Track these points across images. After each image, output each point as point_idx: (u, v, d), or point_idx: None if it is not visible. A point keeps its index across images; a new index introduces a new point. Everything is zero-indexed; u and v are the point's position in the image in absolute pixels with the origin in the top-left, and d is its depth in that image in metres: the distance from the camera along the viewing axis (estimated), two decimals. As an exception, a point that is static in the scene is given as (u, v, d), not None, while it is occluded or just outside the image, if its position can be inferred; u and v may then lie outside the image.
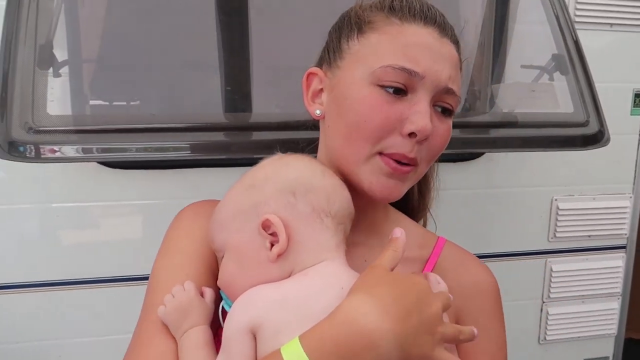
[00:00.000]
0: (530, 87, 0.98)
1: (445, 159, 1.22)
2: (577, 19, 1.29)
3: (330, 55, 0.63)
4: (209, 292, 0.59)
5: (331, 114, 0.62)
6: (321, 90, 0.63)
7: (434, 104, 0.59)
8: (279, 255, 0.52)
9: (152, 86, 1.09)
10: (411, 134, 0.56)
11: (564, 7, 1.00)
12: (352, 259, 0.62)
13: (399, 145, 0.57)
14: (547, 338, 1.44)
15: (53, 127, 0.80)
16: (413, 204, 0.77)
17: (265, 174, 0.57)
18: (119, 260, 1.18)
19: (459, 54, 0.61)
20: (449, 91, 0.58)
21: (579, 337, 1.46)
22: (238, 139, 0.94)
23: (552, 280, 1.40)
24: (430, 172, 0.77)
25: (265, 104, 1.09)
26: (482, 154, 1.26)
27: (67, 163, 1.14)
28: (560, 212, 1.37)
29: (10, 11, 0.81)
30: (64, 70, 0.91)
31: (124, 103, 1.11)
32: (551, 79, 0.99)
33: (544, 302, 1.43)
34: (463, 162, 1.27)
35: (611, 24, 1.32)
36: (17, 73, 0.79)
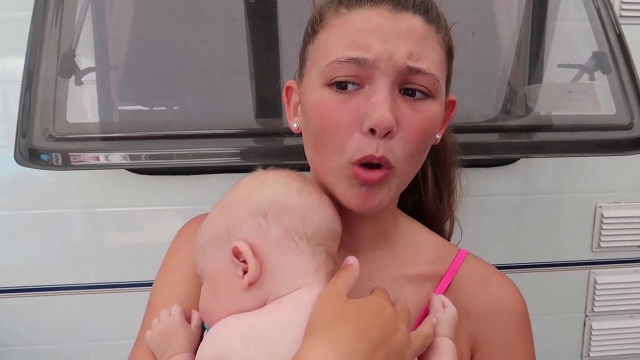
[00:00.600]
0: (567, 87, 0.92)
1: (478, 164, 1.16)
2: (623, 13, 1.20)
3: (300, 65, 0.60)
4: (195, 317, 0.57)
5: (303, 126, 0.58)
6: (299, 102, 0.60)
7: (400, 88, 0.52)
8: (251, 284, 0.49)
9: (181, 92, 1.10)
10: (372, 131, 0.50)
11: (607, 1, 0.93)
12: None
13: (363, 146, 0.51)
14: (591, 354, 1.35)
15: (73, 134, 0.80)
16: (429, 209, 0.70)
17: (240, 195, 0.54)
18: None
19: (433, 23, 0.53)
20: (412, 70, 0.51)
21: (626, 354, 1.36)
22: (275, 145, 0.93)
23: (597, 293, 1.31)
24: (453, 172, 0.70)
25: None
26: (518, 158, 1.19)
27: (102, 170, 1.17)
28: (605, 221, 1.28)
29: (35, 23, 0.83)
30: (88, 78, 0.92)
31: (148, 109, 1.12)
32: (592, 78, 0.92)
33: (587, 316, 1.34)
34: (498, 167, 1.21)
35: (661, 18, 1.23)
36: (40, 82, 0.80)
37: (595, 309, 1.33)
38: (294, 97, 0.60)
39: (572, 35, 1.02)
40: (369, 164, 0.51)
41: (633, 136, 0.83)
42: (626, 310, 1.34)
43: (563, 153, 0.92)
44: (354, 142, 0.51)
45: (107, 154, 0.82)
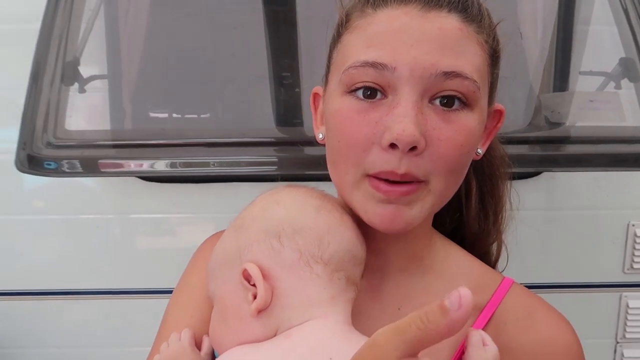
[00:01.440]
0: (588, 96, 0.85)
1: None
2: (660, 18, 1.13)
3: (326, 71, 0.54)
4: (206, 343, 0.54)
5: (325, 137, 0.53)
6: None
7: (432, 98, 0.45)
8: (260, 311, 0.45)
9: (201, 101, 1.10)
10: (392, 146, 0.44)
11: (636, 3, 0.87)
12: (382, 306, 0.53)
13: (382, 161, 0.45)
14: (624, 384, 1.26)
15: (70, 142, 0.81)
16: (470, 229, 0.62)
17: (253, 213, 0.50)
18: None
19: (475, 23, 0.46)
20: (447, 75, 0.44)
21: (661, 385, 1.26)
22: (297, 154, 0.92)
23: (629, 317, 1.22)
24: (502, 189, 0.63)
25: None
26: (538, 173, 1.13)
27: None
28: (638, 240, 1.19)
29: (43, 32, 0.84)
30: (93, 86, 0.92)
31: (164, 115, 1.12)
32: (618, 86, 0.86)
33: (618, 343, 1.25)
34: (520, 180, 1.14)
35: (703, 22, 1.14)
36: (43, 90, 0.81)
37: (627, 335, 1.23)
38: (321, 105, 0.55)
39: (598, 41, 0.96)
40: (389, 181, 0.46)
41: (661, 150, 0.76)
42: (662, 337, 1.24)
43: (578, 168, 0.86)
44: (370, 158, 0.46)
45: (143, 161, 0.82)
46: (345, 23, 0.50)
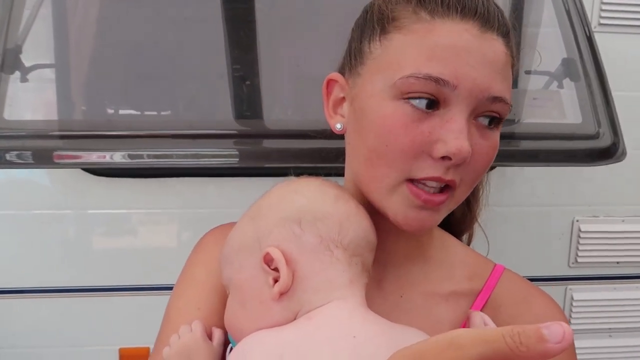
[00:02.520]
0: (531, 94, 0.88)
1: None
2: (603, 21, 1.17)
3: (351, 59, 0.54)
4: (217, 334, 0.54)
5: (352, 130, 0.53)
6: (343, 99, 0.55)
7: (476, 116, 0.49)
8: (282, 294, 0.46)
9: (155, 93, 1.08)
10: (444, 157, 0.47)
11: (579, 7, 0.90)
12: (385, 294, 0.56)
13: (429, 169, 0.48)
14: (569, 374, 1.31)
15: (10, 132, 0.78)
16: (456, 216, 0.67)
17: (270, 202, 0.51)
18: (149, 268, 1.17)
19: (510, 46, 0.50)
20: (495, 100, 0.48)
21: (605, 375, 1.32)
22: (257, 147, 0.91)
23: (573, 310, 1.27)
24: (481, 182, 0.68)
25: (276, 111, 1.06)
26: (492, 168, 1.15)
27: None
28: (582, 235, 1.24)
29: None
30: (38, 76, 0.89)
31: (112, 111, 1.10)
32: (560, 86, 0.89)
33: (563, 334, 1.30)
34: (470, 177, 1.17)
35: (643, 27, 1.20)
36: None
37: (572, 327, 1.27)
38: (336, 92, 0.55)
39: (546, 42, 0.99)
40: (430, 186, 0.48)
41: (599, 146, 0.79)
42: (604, 328, 1.30)
43: (523, 163, 0.89)
44: (419, 165, 0.48)
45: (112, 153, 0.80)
46: (393, 20, 0.50)
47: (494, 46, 0.48)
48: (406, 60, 0.48)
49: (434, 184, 0.48)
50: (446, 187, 0.49)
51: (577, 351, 1.33)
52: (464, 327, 0.54)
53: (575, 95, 0.84)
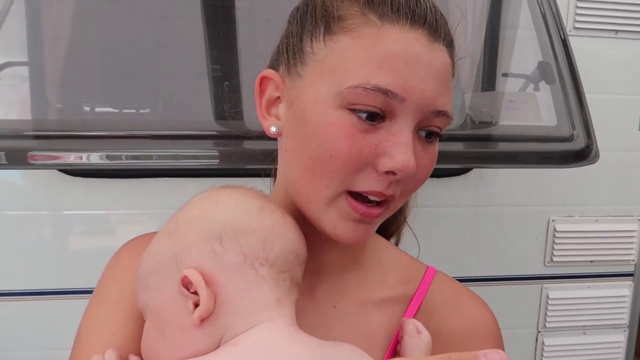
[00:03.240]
0: (509, 97, 0.90)
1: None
2: (578, 25, 1.20)
3: (289, 56, 0.50)
4: None
5: (290, 136, 0.49)
6: (278, 99, 0.51)
7: (419, 129, 0.47)
8: (203, 320, 0.42)
9: (131, 90, 1.06)
10: (388, 172, 0.45)
11: (554, 11, 0.92)
12: (318, 305, 0.54)
13: (372, 182, 0.46)
14: (544, 371, 1.33)
15: None
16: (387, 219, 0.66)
17: (190, 216, 0.46)
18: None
19: (453, 57, 0.49)
20: (439, 114, 0.46)
21: (579, 371, 1.35)
22: (237, 148, 0.90)
23: (549, 308, 1.29)
24: None
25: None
26: (471, 169, 1.17)
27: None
28: (557, 235, 1.27)
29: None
30: (10, 74, 0.87)
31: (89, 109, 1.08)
32: (536, 88, 0.90)
33: (539, 332, 1.32)
34: (449, 178, 1.19)
35: (616, 31, 1.22)
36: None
37: (548, 325, 1.31)
38: (271, 91, 0.51)
39: (523, 45, 1.01)
40: (367, 199, 0.47)
41: (573, 148, 0.81)
42: (579, 326, 1.32)
43: (499, 164, 0.90)
44: (362, 178, 0.46)
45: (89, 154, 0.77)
46: (339, 20, 0.47)
47: (441, 57, 0.46)
48: (354, 68, 0.45)
49: (375, 197, 0.47)
50: (384, 201, 0.48)
51: (553, 349, 1.36)
52: (397, 334, 0.53)
53: (550, 98, 0.85)
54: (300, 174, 0.49)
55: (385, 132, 0.45)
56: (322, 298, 0.54)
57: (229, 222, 0.45)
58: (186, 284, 0.43)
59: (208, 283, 0.43)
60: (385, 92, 0.44)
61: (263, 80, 0.51)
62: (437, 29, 0.46)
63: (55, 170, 1.11)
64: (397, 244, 0.66)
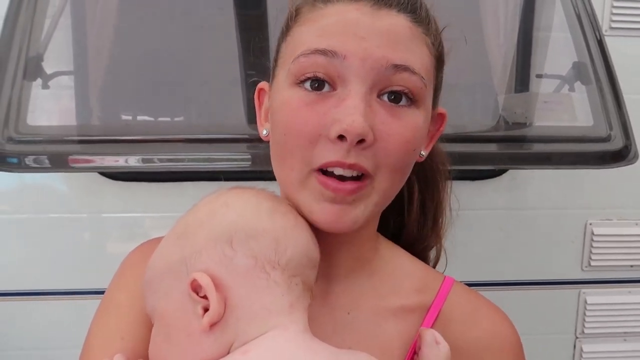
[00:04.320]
0: (543, 98, 0.89)
1: (462, 176, 1.14)
2: (614, 25, 1.18)
3: (272, 64, 0.52)
4: None
5: (270, 133, 0.51)
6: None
7: (380, 93, 0.45)
8: (213, 325, 0.41)
9: (170, 100, 1.10)
10: (341, 137, 0.43)
11: (589, 11, 0.90)
12: (331, 312, 0.52)
13: (330, 152, 0.44)
14: (583, 378, 1.30)
15: (37, 137, 0.80)
16: (410, 233, 0.61)
17: (198, 218, 0.45)
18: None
19: (421, 23, 0.47)
20: (397, 68, 0.44)
21: (620, 379, 1.31)
22: (268, 151, 0.92)
23: (587, 313, 1.26)
24: (442, 193, 0.62)
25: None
26: (504, 171, 1.16)
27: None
28: (595, 238, 1.24)
29: (6, 27, 0.83)
30: (58, 83, 0.92)
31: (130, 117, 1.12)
32: (572, 89, 0.89)
33: (577, 338, 1.29)
34: (482, 180, 1.18)
35: (654, 30, 1.20)
36: (5, 85, 0.80)
37: (586, 331, 1.28)
38: (266, 101, 0.53)
39: (557, 46, 1.00)
40: (339, 176, 0.44)
41: (610, 149, 0.80)
42: (619, 332, 1.29)
43: (535, 165, 0.89)
44: (319, 151, 0.44)
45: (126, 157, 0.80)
46: (295, 17, 0.49)
47: (390, 19, 0.45)
48: (300, 45, 0.46)
49: (340, 171, 0.44)
50: (362, 176, 0.45)
51: (592, 355, 1.33)
52: (415, 344, 0.52)
53: (586, 99, 0.84)
54: (275, 163, 0.49)
55: (336, 100, 0.45)
56: (335, 304, 0.53)
57: (240, 224, 0.44)
58: (195, 287, 0.42)
59: (218, 287, 0.41)
60: (323, 52, 0.44)
61: (260, 92, 0.54)
62: None
63: (97, 175, 1.15)
64: (435, 264, 0.64)
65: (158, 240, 0.53)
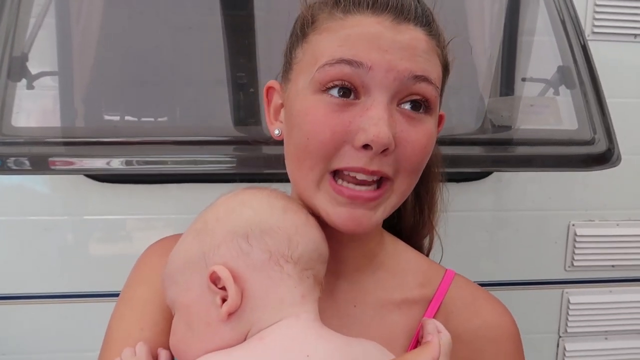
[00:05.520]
0: (529, 101, 0.90)
1: (447, 178, 1.15)
2: (596, 30, 1.20)
3: (284, 66, 0.55)
4: (163, 355, 0.51)
5: (286, 134, 0.53)
6: (281, 105, 0.55)
7: (400, 102, 0.48)
8: (231, 314, 0.44)
9: (154, 101, 1.09)
10: (365, 146, 0.46)
11: (573, 16, 0.92)
12: (338, 305, 0.55)
13: (350, 159, 0.47)
14: (566, 377, 1.32)
15: (17, 138, 0.78)
16: (406, 222, 0.65)
17: (216, 215, 0.49)
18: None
19: (434, 35, 0.50)
20: (417, 79, 0.47)
21: (601, 377, 1.33)
22: (253, 154, 0.91)
23: (570, 313, 1.28)
24: (435, 185, 0.66)
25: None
26: (489, 173, 1.17)
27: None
28: (578, 239, 1.26)
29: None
30: (43, 83, 0.90)
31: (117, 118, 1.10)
32: (556, 93, 0.91)
33: (560, 337, 1.31)
34: (468, 182, 1.19)
35: (635, 35, 1.22)
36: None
37: (569, 330, 1.30)
38: (276, 99, 0.56)
39: (542, 50, 1.01)
40: (361, 181, 0.47)
41: (594, 151, 0.81)
42: (601, 331, 1.31)
43: (520, 168, 0.90)
44: (340, 155, 0.47)
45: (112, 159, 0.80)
46: (312, 24, 0.51)
47: (410, 34, 0.48)
48: (321, 54, 0.48)
49: (363, 176, 0.47)
50: (382, 181, 0.48)
51: (574, 354, 1.35)
52: (417, 334, 0.54)
53: (571, 102, 0.86)
54: (292, 165, 0.51)
55: (360, 109, 0.47)
56: (342, 298, 0.55)
57: (255, 221, 0.47)
58: (214, 279, 0.45)
59: (235, 279, 0.44)
60: (349, 62, 0.46)
61: (269, 90, 0.57)
62: (402, 11, 0.48)
63: (81, 177, 1.13)
64: (428, 253, 0.67)
65: (173, 237, 0.57)
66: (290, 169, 0.52)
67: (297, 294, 0.46)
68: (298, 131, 0.49)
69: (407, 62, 0.47)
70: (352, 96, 0.47)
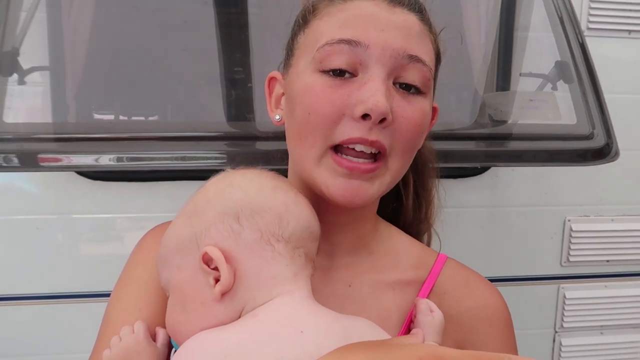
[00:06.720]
0: (527, 96, 0.90)
1: (444, 174, 1.15)
2: (591, 26, 1.20)
3: (286, 56, 0.57)
4: (161, 334, 0.52)
5: (286, 116, 0.55)
6: (282, 94, 0.57)
7: (395, 81, 0.50)
8: (224, 294, 0.45)
9: (147, 97, 1.07)
10: (364, 116, 0.48)
11: (570, 12, 0.92)
12: (333, 284, 0.56)
13: (350, 130, 0.48)
14: (562, 371, 1.33)
15: (8, 134, 0.77)
16: (406, 218, 0.67)
17: (206, 197, 0.49)
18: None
19: (426, 22, 0.52)
20: (411, 59, 0.49)
21: (597, 371, 1.34)
22: (245, 149, 0.90)
23: (566, 308, 1.28)
24: (431, 182, 0.68)
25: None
26: (487, 169, 1.17)
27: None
28: (574, 235, 1.26)
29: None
30: (34, 78, 0.88)
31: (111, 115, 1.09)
32: (554, 88, 0.91)
33: (556, 332, 1.31)
34: (465, 178, 1.19)
35: (629, 31, 1.22)
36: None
37: (565, 325, 1.30)
38: (277, 89, 0.58)
39: (539, 45, 1.01)
40: (359, 152, 0.49)
41: (593, 146, 0.81)
42: (596, 326, 1.32)
43: (519, 163, 0.90)
44: (341, 128, 0.49)
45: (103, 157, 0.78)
46: (313, 12, 0.53)
47: (404, 16, 0.51)
48: (322, 35, 0.51)
49: (361, 147, 0.49)
50: (378, 155, 0.50)
51: (570, 349, 1.35)
52: (411, 314, 0.56)
53: (569, 97, 0.86)
54: (293, 143, 0.53)
55: (358, 84, 0.49)
56: (337, 278, 0.56)
57: (245, 201, 0.47)
58: (207, 260, 0.45)
59: (227, 259, 0.45)
60: (348, 42, 0.49)
61: (271, 81, 0.59)
62: None
63: (73, 174, 1.12)
64: (429, 243, 0.68)
65: (168, 224, 0.57)
66: (291, 146, 0.54)
67: (289, 272, 0.46)
68: (300, 108, 0.51)
69: (402, 41, 0.49)
70: (348, 75, 0.49)
